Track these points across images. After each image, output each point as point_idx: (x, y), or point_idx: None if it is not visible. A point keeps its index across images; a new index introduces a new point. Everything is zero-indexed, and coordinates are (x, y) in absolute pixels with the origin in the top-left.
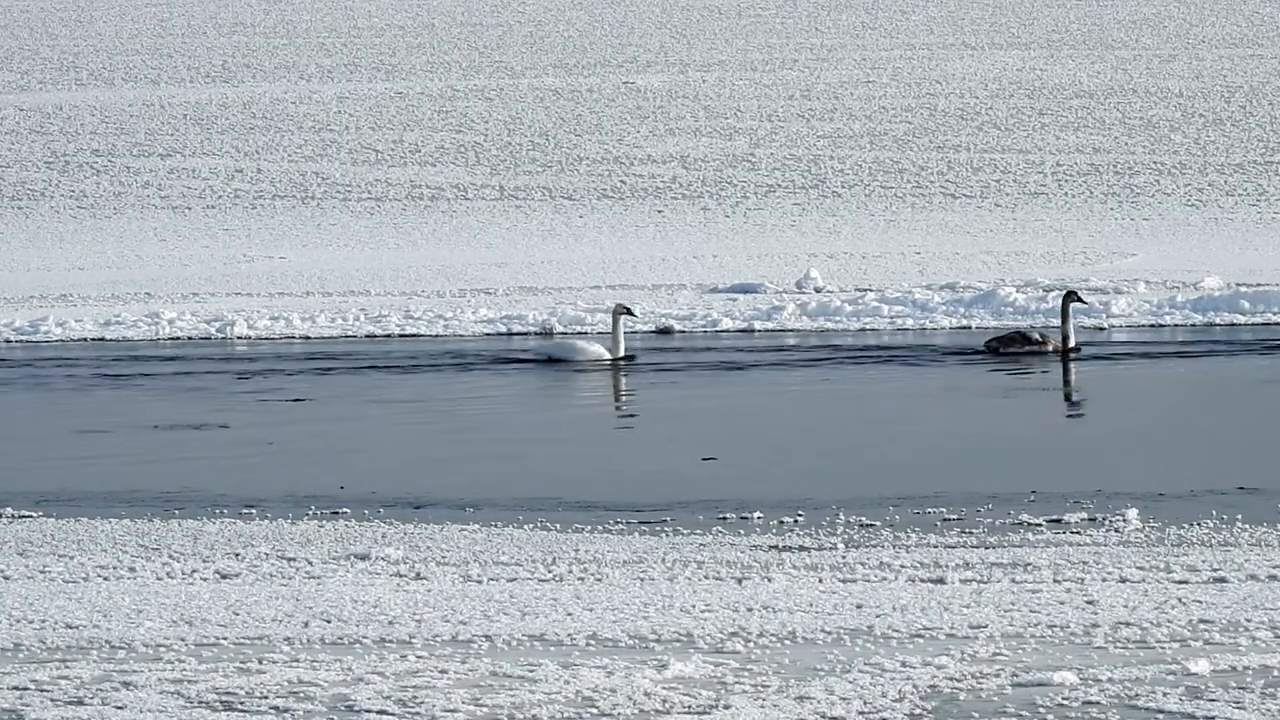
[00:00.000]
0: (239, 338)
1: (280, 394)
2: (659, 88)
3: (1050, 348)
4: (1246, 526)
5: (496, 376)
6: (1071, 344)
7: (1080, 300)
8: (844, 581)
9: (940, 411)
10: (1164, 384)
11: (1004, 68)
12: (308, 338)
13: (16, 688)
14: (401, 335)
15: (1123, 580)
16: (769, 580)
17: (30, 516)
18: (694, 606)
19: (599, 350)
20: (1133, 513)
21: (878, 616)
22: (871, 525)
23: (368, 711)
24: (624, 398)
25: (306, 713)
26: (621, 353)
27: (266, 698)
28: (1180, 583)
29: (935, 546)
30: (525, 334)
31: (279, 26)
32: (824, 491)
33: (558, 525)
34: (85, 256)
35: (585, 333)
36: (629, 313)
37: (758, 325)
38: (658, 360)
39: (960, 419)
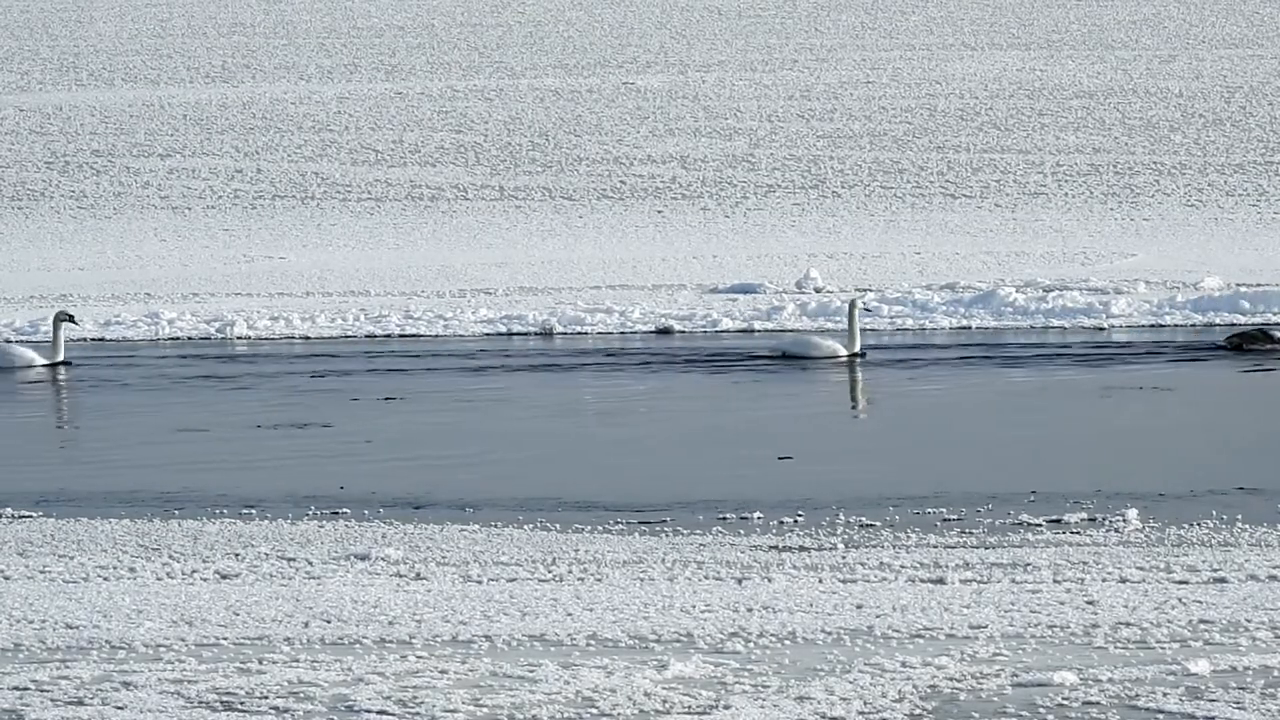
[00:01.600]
0: (239, 338)
1: (392, 393)
2: (659, 88)
3: None
4: (1246, 526)
5: (738, 374)
6: None
7: None
8: (844, 581)
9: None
10: None
11: (1004, 68)
12: (307, 338)
13: (16, 688)
14: (401, 335)
15: (1123, 580)
16: (769, 580)
17: (30, 516)
18: (694, 606)
19: (835, 346)
20: (1133, 513)
21: (878, 617)
22: (871, 525)
23: (368, 711)
24: (866, 393)
25: (306, 713)
26: (856, 348)
27: (266, 698)
28: (1180, 583)
29: (935, 546)
30: (525, 334)
31: (279, 26)
32: (825, 492)
33: (558, 525)
34: (85, 256)
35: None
36: (866, 310)
37: (757, 325)
38: (890, 356)
39: None
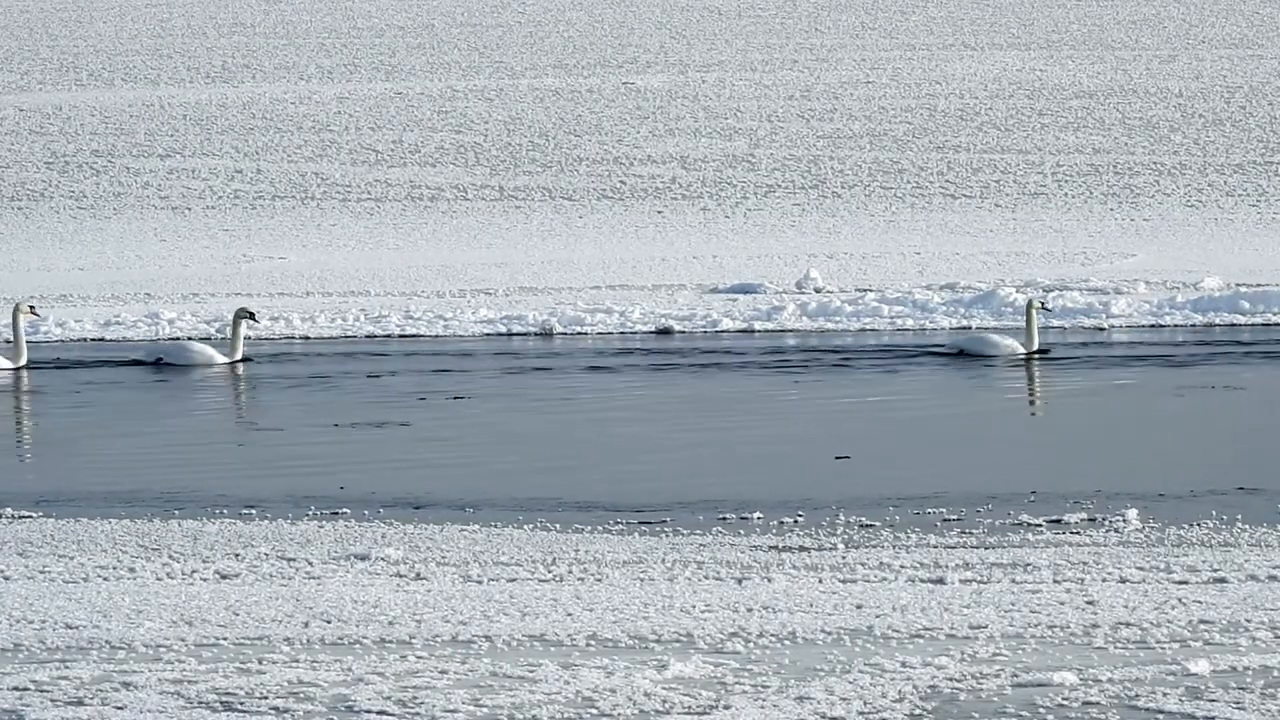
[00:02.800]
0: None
1: (463, 392)
2: (659, 88)
3: None
4: (1246, 526)
5: (907, 371)
6: None
7: None
8: (844, 582)
9: None
10: None
11: (1004, 68)
12: (307, 338)
13: (16, 688)
14: (401, 335)
15: (1123, 580)
16: (769, 580)
17: (30, 516)
18: (694, 607)
19: (1014, 345)
20: (1133, 513)
21: (878, 617)
22: (871, 525)
23: (368, 712)
24: (1044, 392)
25: (306, 713)
26: (1035, 346)
27: (266, 698)
28: (1180, 583)
29: (935, 547)
30: (525, 334)
31: (279, 27)
32: (825, 492)
33: (558, 525)
34: (85, 257)
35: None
36: (1044, 308)
37: (758, 326)
38: (1077, 354)
39: None
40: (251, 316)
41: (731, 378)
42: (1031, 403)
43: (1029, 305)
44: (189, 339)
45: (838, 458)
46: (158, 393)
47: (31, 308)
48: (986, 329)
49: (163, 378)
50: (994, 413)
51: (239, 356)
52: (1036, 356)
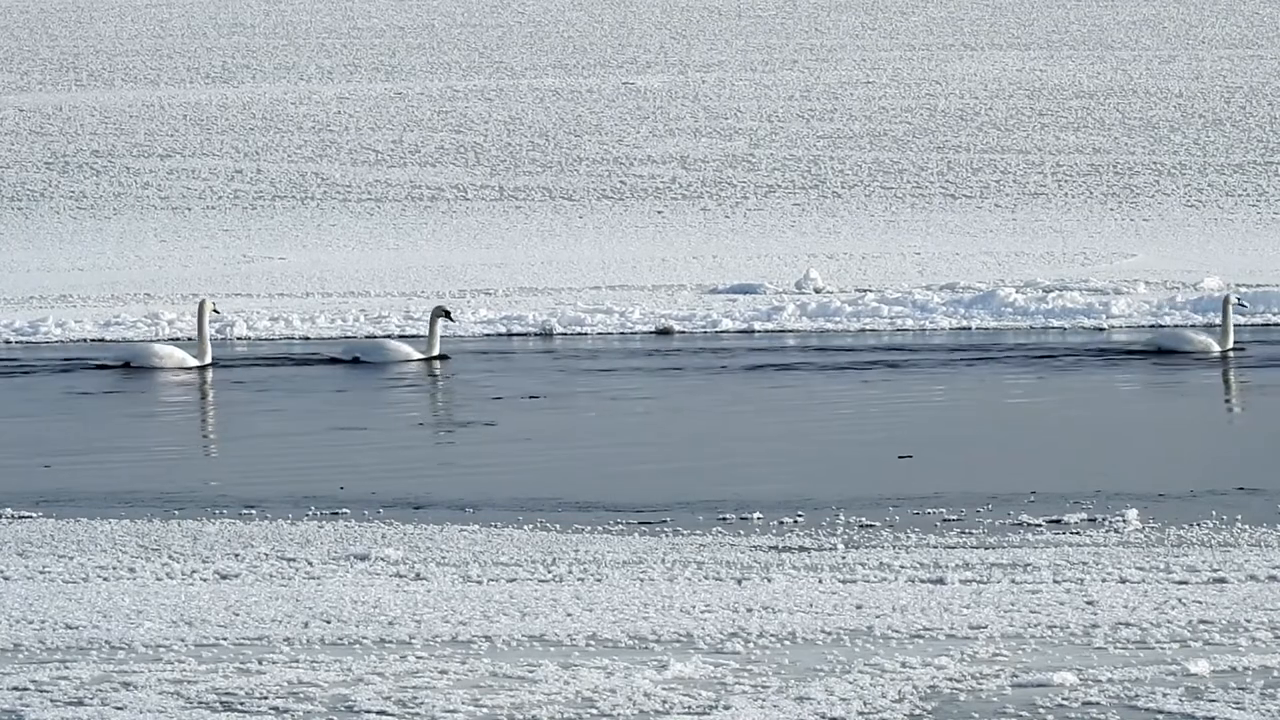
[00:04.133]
0: (239, 338)
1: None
2: (659, 88)
3: None
4: (1246, 527)
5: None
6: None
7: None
8: (844, 582)
9: None
10: None
11: (1004, 68)
12: (307, 338)
13: (16, 688)
14: (401, 336)
15: (1123, 581)
16: (769, 581)
17: (30, 516)
18: (694, 607)
19: (1208, 342)
20: (1133, 513)
21: (877, 617)
22: (871, 525)
23: (367, 712)
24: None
25: (306, 713)
26: (1230, 344)
27: (266, 698)
28: (1180, 583)
29: (935, 547)
30: (525, 334)
31: (279, 27)
32: (825, 492)
33: (558, 526)
34: (85, 257)
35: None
36: (1240, 304)
37: (757, 326)
38: (1270, 352)
39: None
40: (448, 315)
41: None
42: (1228, 402)
43: (1224, 301)
44: (386, 336)
45: (901, 456)
46: (358, 391)
47: (214, 305)
48: (1184, 327)
49: (360, 375)
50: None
51: (436, 353)
52: (1232, 353)
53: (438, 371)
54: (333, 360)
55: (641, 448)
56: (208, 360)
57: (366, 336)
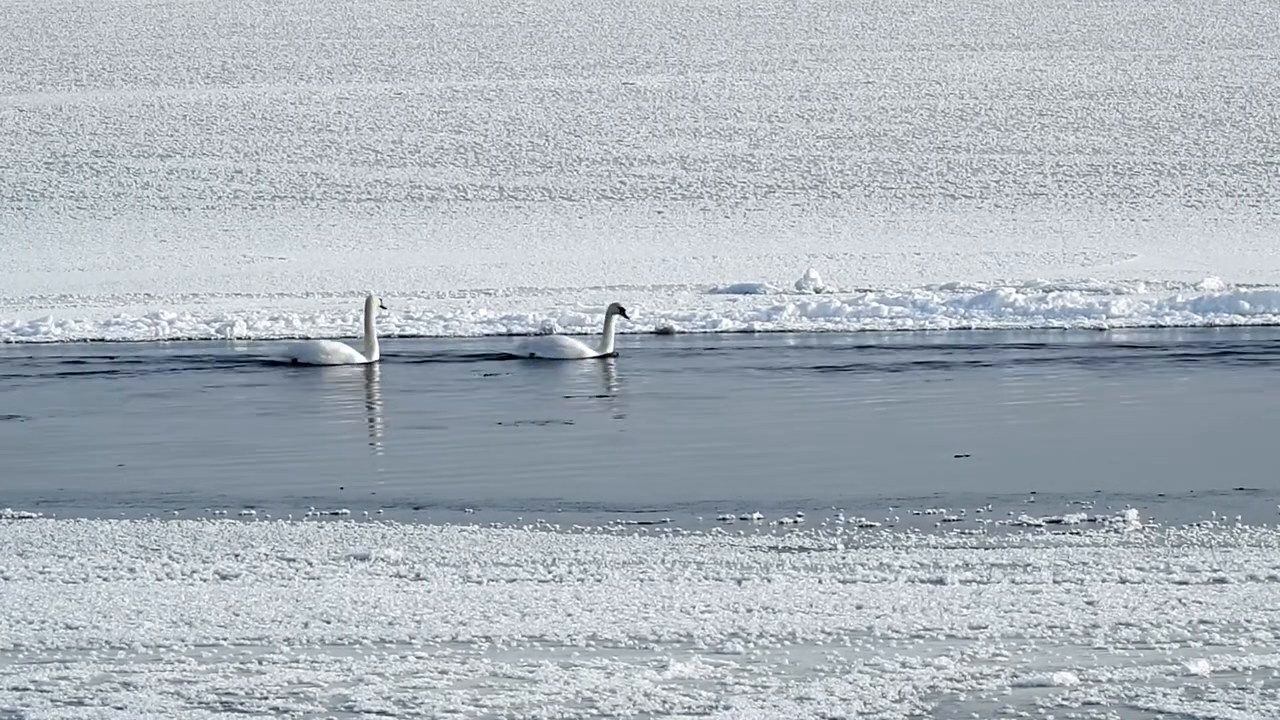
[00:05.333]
0: (239, 338)
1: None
2: (659, 88)
3: None
4: (1246, 527)
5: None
6: None
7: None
8: (844, 582)
9: None
10: None
11: (1004, 68)
12: (307, 338)
13: (16, 688)
14: (401, 336)
15: (1123, 581)
16: (769, 581)
17: (30, 517)
18: (694, 607)
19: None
20: (1133, 513)
21: (877, 617)
22: (871, 526)
23: (367, 712)
24: None
25: (306, 713)
26: (609, 349)
27: (266, 698)
28: (1180, 583)
29: (935, 547)
30: (525, 335)
31: (279, 27)
32: (825, 492)
33: (558, 526)
34: (85, 257)
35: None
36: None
37: (757, 326)
38: None
39: None
40: (622, 312)
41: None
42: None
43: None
44: (561, 334)
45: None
46: (532, 389)
47: (381, 302)
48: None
49: (535, 372)
50: None
51: (610, 350)
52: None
53: (611, 369)
54: (506, 356)
55: (770, 447)
56: (375, 357)
57: (538, 334)
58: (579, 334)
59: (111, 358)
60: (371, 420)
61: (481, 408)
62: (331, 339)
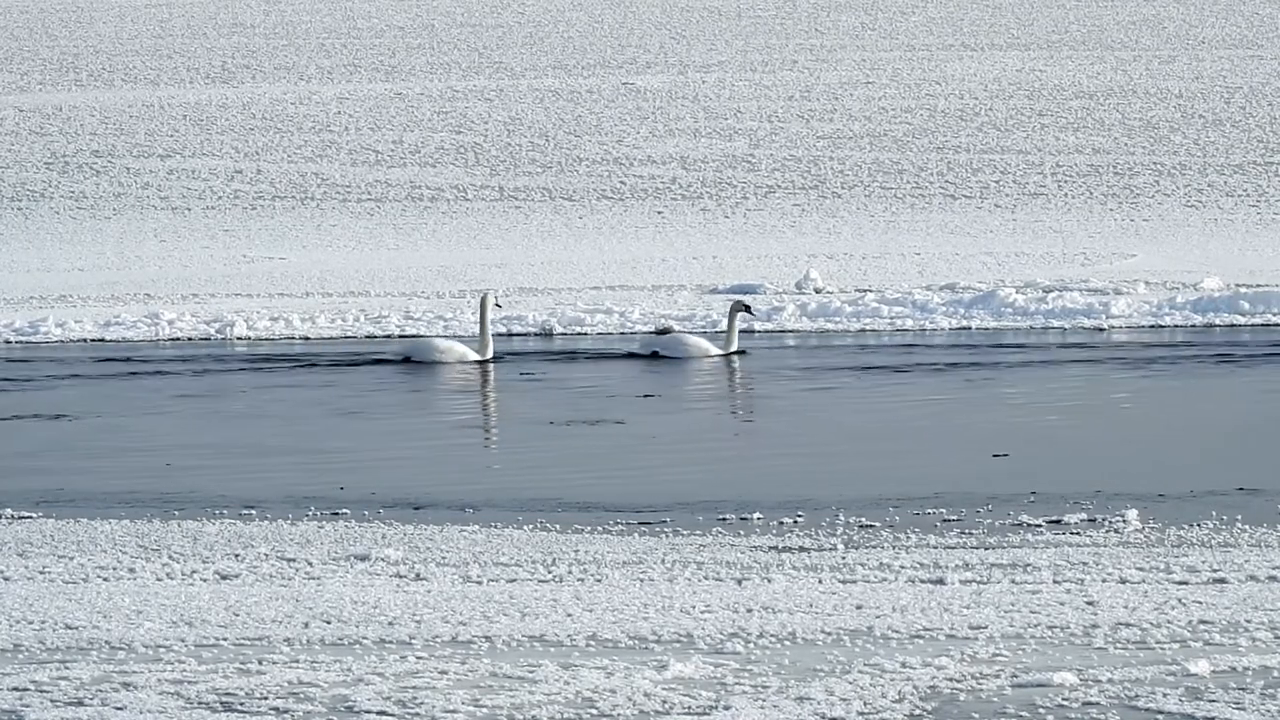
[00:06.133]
0: (238, 338)
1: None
2: (659, 88)
3: None
4: (1246, 527)
5: None
6: None
7: None
8: (844, 582)
9: None
10: None
11: (1004, 68)
12: (307, 338)
13: (16, 688)
14: (401, 336)
15: (1123, 581)
16: (769, 581)
17: (30, 517)
18: (694, 607)
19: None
20: (1133, 513)
21: (877, 617)
22: (871, 526)
23: (367, 712)
24: None
25: (306, 713)
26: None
27: (266, 698)
28: (1180, 583)
29: (935, 547)
30: (525, 334)
31: (279, 27)
32: (824, 492)
33: (558, 526)
34: (85, 257)
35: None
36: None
37: (757, 326)
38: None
39: None
40: (747, 309)
41: None
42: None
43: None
44: (688, 332)
45: (996, 455)
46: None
47: (496, 300)
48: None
49: (658, 370)
50: None
51: (734, 349)
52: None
53: (735, 367)
54: (630, 355)
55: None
56: (489, 355)
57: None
58: (703, 332)
59: (220, 357)
60: (483, 418)
61: (554, 408)
62: (446, 337)
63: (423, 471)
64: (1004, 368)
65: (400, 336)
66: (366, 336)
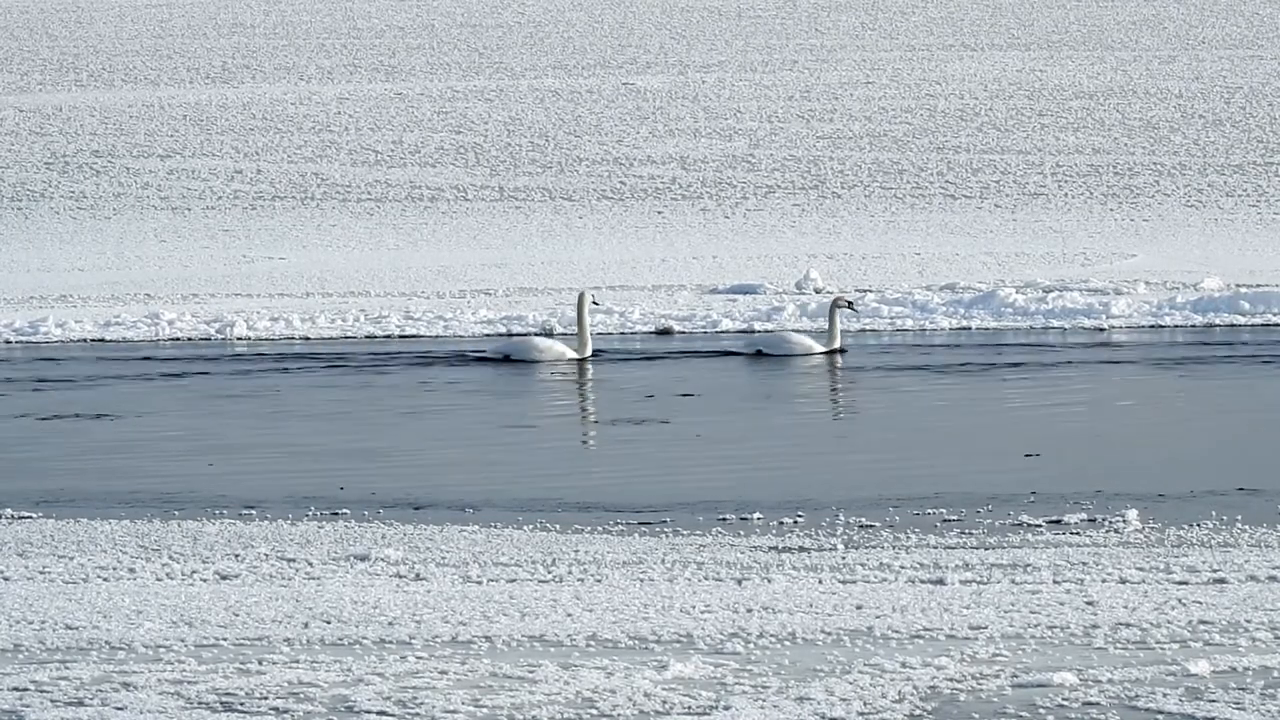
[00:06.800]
0: (238, 339)
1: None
2: (659, 88)
3: None
4: (1246, 527)
5: None
6: None
7: None
8: (844, 582)
9: None
10: None
11: (1004, 68)
12: (307, 338)
13: (16, 688)
14: (401, 336)
15: (1123, 581)
16: (769, 581)
17: (30, 517)
18: (694, 607)
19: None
20: (1133, 513)
21: (877, 617)
22: (871, 526)
23: (367, 712)
24: None
25: (306, 713)
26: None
27: (266, 698)
28: (1180, 583)
29: (935, 547)
30: (525, 335)
31: (279, 27)
32: (826, 492)
33: (558, 526)
34: (85, 257)
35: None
36: (851, 308)
37: (757, 326)
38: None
39: None
40: (850, 306)
41: None
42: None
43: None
44: (796, 331)
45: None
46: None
47: (594, 298)
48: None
49: (765, 368)
50: None
51: (836, 346)
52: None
53: (839, 365)
54: (729, 353)
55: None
56: (588, 353)
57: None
58: (806, 330)
59: (315, 355)
60: (579, 414)
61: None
62: (546, 335)
63: (512, 472)
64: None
65: (400, 336)
66: (366, 336)
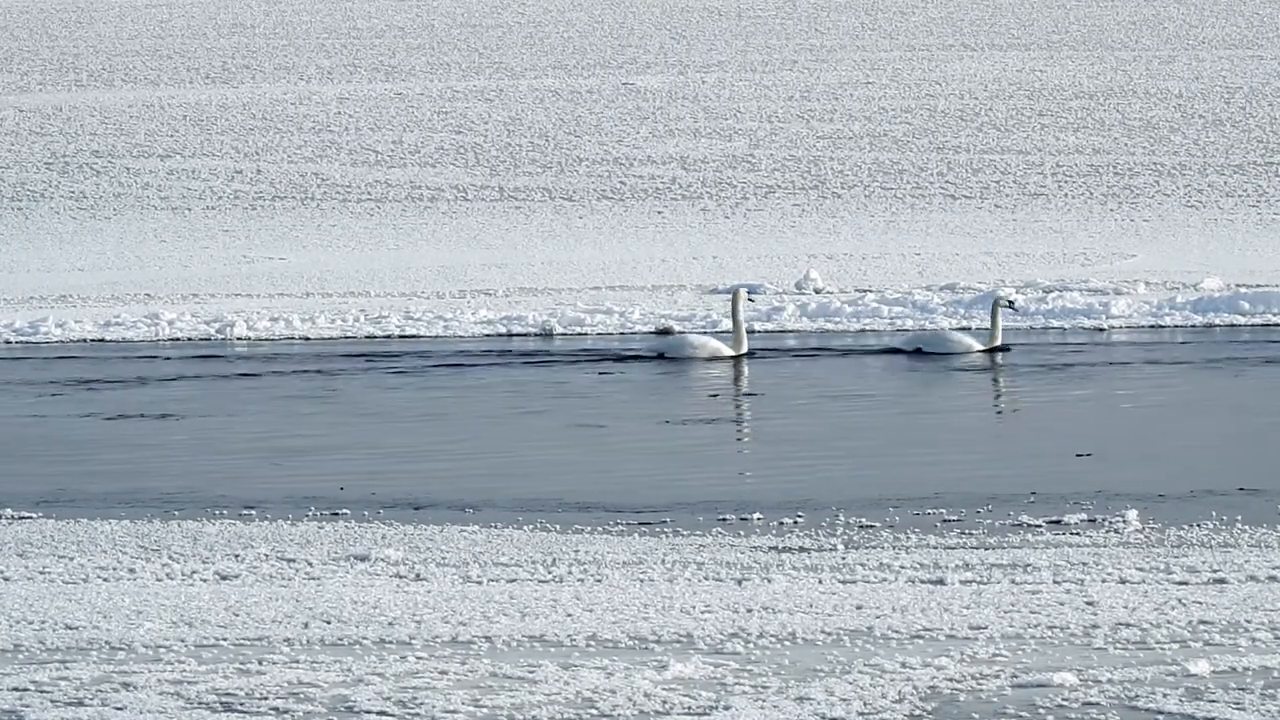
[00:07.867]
0: (238, 339)
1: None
2: (659, 88)
3: None
4: (1246, 527)
5: None
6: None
7: None
8: (844, 582)
9: None
10: None
11: (1003, 69)
12: (307, 338)
13: (16, 688)
14: (401, 336)
15: (1122, 581)
16: (769, 581)
17: (30, 517)
18: (694, 607)
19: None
20: (1133, 513)
21: (877, 617)
22: (871, 526)
23: (367, 712)
24: None
25: (306, 713)
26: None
27: (266, 698)
28: (1180, 584)
29: (935, 547)
30: (525, 335)
31: (279, 27)
32: (825, 492)
33: (558, 526)
34: (85, 257)
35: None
36: (1010, 305)
37: (757, 326)
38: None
39: None
40: (1011, 305)
41: None
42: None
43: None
44: (957, 329)
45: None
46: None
47: (749, 295)
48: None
49: (921, 366)
50: None
51: (998, 344)
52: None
53: (999, 363)
54: (892, 350)
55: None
56: (744, 350)
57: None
58: (964, 329)
59: (425, 353)
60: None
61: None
62: (701, 333)
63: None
64: None
65: (400, 336)
66: (366, 337)
